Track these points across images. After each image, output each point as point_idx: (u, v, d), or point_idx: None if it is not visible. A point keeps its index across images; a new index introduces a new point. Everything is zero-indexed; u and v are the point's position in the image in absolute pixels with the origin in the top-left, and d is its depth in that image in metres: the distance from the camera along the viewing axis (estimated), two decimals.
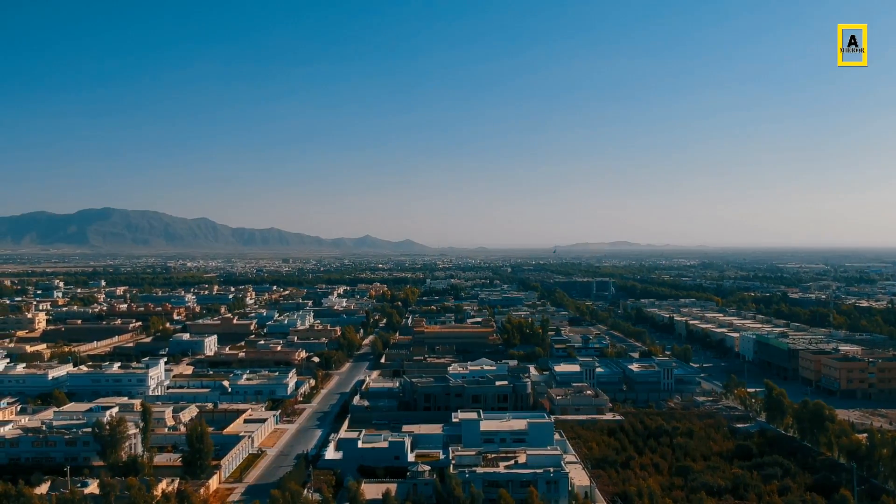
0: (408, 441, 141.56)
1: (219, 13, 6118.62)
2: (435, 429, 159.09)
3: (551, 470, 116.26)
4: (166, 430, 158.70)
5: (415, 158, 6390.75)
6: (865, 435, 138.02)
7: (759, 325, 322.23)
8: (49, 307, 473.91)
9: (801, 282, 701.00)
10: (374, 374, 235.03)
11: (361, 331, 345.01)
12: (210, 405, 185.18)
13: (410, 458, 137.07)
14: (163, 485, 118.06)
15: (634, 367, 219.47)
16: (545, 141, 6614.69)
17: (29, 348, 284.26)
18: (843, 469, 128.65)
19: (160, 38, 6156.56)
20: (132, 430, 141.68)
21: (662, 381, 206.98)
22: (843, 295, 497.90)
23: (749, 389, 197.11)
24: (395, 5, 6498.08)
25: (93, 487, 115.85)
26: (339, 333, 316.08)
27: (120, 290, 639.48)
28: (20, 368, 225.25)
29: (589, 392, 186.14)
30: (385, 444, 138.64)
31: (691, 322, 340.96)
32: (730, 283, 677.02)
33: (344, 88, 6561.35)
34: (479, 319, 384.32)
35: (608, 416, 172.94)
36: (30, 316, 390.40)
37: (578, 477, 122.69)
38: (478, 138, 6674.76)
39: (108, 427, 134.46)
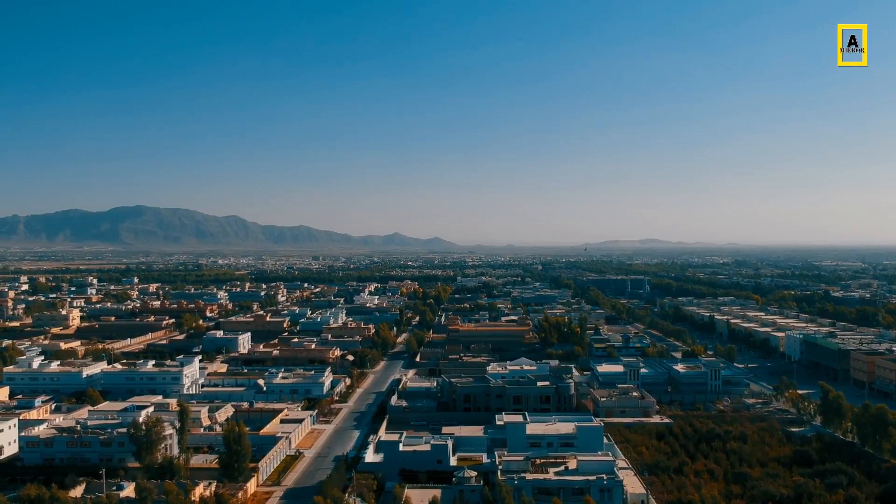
0: (450, 444, 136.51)
1: (250, 12, 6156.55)
2: (476, 431, 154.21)
3: (605, 477, 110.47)
4: (202, 430, 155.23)
5: (443, 156, 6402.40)
6: None
7: (804, 325, 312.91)
8: (83, 304, 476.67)
9: (840, 280, 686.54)
10: (410, 373, 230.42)
11: (395, 329, 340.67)
12: (245, 404, 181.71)
13: (452, 461, 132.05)
14: (200, 488, 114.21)
15: (679, 367, 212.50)
16: (574, 138, 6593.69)
17: (63, 345, 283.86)
18: None
19: (193, 38, 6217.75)
20: (168, 431, 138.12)
21: (709, 382, 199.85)
22: (886, 293, 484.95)
23: (799, 391, 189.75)
24: (425, 4, 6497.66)
25: (129, 490, 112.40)
26: (372, 331, 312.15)
27: (153, 288, 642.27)
28: (54, 366, 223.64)
29: (635, 394, 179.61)
30: (427, 447, 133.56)
31: (733, 321, 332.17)
32: (767, 281, 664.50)
33: (373, 87, 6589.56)
34: (515, 318, 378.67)
35: (655, 419, 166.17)
36: (64, 313, 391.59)
37: (631, 484, 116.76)
38: (506, 136, 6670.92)
39: (143, 427, 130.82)
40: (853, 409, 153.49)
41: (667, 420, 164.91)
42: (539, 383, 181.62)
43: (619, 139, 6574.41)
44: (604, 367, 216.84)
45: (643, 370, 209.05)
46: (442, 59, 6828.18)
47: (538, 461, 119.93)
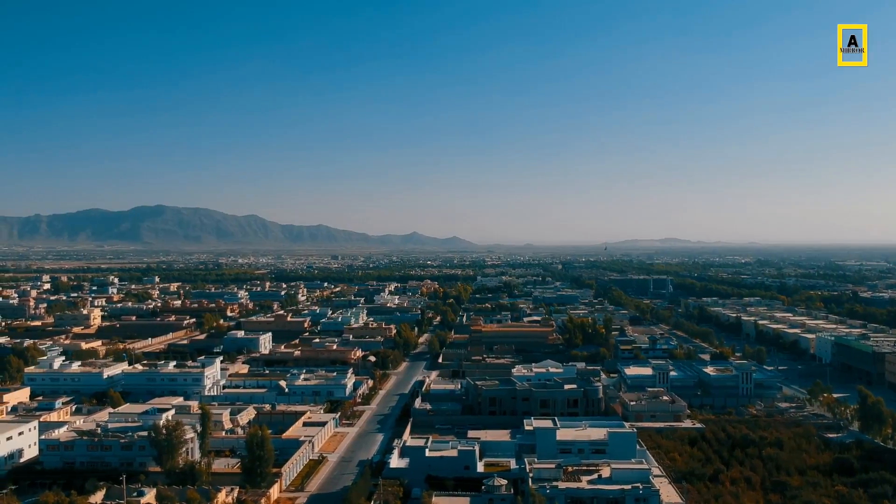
0: (477, 449, 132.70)
1: (269, 14, 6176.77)
2: (502, 435, 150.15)
3: (640, 486, 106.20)
4: (224, 433, 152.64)
5: (461, 156, 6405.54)
6: None
7: (834, 326, 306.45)
8: (104, 303, 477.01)
9: (867, 280, 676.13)
10: (433, 374, 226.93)
11: (416, 329, 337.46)
12: (267, 406, 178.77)
13: (480, 467, 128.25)
14: (222, 495, 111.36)
15: (709, 370, 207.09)
16: (592, 138, 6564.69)
17: (84, 345, 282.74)
18: None
19: (213, 40, 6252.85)
20: (189, 434, 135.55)
21: (741, 385, 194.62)
22: None
23: (834, 395, 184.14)
24: (443, 5, 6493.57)
25: (150, 496, 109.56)
26: (394, 332, 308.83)
27: (173, 287, 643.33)
28: (75, 366, 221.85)
29: (665, 397, 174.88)
30: (454, 453, 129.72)
31: (760, 322, 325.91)
32: (792, 281, 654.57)
33: (392, 88, 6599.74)
34: (537, 318, 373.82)
35: (687, 424, 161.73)
36: (85, 312, 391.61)
37: (666, 493, 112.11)
38: (524, 136, 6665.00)
39: (164, 431, 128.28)
40: (894, 414, 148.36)
41: (698, 425, 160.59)
42: (566, 386, 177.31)
43: (638, 139, 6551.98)
44: (631, 370, 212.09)
45: (672, 373, 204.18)
46: (461, 59, 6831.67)
47: (570, 469, 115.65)
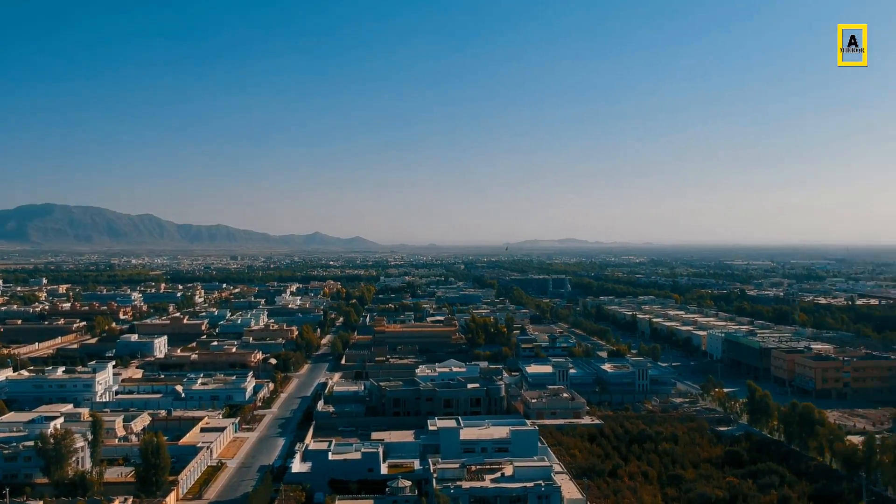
0: (381, 451, 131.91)
1: (167, 7, 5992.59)
2: (407, 436, 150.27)
3: (542, 483, 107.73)
4: (117, 440, 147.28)
5: (365, 155, 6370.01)
6: (861, 439, 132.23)
7: (724, 323, 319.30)
8: None
9: (752, 279, 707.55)
10: (336, 376, 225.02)
11: (318, 330, 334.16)
12: (163, 412, 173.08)
13: (384, 469, 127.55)
14: None
15: (607, 367, 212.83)
16: (495, 139, 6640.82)
17: None
18: (841, 477, 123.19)
19: (106, 33, 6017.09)
20: (79, 443, 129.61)
21: (637, 382, 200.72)
22: (798, 292, 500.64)
23: (725, 390, 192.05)
24: (343, 2, 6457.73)
25: None
26: (296, 333, 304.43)
27: (62, 289, 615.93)
28: None
29: (565, 395, 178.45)
30: (358, 456, 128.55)
31: (655, 320, 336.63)
32: (684, 280, 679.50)
33: (294, 84, 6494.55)
34: (441, 318, 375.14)
35: (586, 421, 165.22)
36: None
37: (567, 489, 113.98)
38: (428, 136, 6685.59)
39: (52, 441, 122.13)
40: (780, 408, 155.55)
41: (597, 421, 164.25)
42: (469, 385, 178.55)
43: (537, 140, 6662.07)
44: (532, 368, 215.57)
45: (572, 370, 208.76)
46: (364, 58, 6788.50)
47: (473, 468, 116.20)
